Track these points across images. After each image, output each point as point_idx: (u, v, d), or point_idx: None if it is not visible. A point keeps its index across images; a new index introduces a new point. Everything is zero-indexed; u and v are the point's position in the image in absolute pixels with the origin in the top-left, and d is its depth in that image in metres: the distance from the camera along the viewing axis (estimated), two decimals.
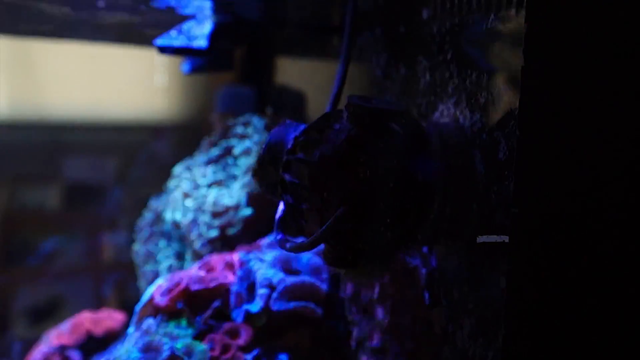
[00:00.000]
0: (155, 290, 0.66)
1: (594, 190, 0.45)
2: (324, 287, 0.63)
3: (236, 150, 0.84)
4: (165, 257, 0.87)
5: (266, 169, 0.52)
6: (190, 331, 0.62)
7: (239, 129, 0.86)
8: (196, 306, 0.63)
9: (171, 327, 0.62)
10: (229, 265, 0.66)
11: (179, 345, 0.59)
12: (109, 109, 1.82)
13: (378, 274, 0.56)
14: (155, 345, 0.59)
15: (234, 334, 0.61)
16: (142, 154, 1.76)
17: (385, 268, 0.55)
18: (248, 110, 0.96)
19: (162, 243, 0.89)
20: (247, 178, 0.81)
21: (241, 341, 0.60)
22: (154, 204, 0.93)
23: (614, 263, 0.45)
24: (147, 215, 0.92)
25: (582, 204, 0.45)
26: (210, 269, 0.66)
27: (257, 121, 0.84)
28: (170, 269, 0.85)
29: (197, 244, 0.79)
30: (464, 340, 0.52)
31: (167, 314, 0.63)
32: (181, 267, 0.85)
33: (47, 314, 1.59)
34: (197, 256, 0.80)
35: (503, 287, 0.47)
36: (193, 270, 0.67)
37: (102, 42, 1.21)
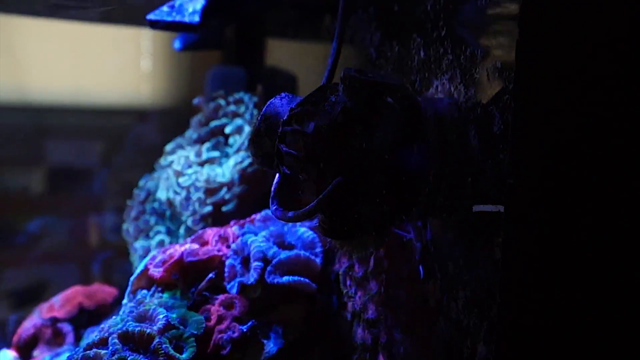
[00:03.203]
0: (149, 261, 0.66)
1: (589, 160, 0.46)
2: (317, 261, 0.64)
3: (228, 129, 0.84)
4: (156, 233, 0.87)
5: (262, 140, 0.53)
6: (184, 302, 0.62)
7: (231, 107, 0.86)
8: (191, 278, 0.64)
9: (166, 298, 0.62)
10: (223, 239, 0.66)
11: (174, 314, 0.59)
12: (94, 92, 1.81)
13: (373, 246, 0.57)
14: (150, 314, 0.60)
15: (228, 305, 0.61)
16: (128, 137, 1.75)
17: (380, 241, 0.57)
18: (238, 91, 0.96)
19: (153, 220, 0.89)
20: (239, 156, 0.81)
21: (236, 312, 0.61)
22: (145, 182, 0.93)
23: (608, 233, 0.47)
24: (138, 193, 0.92)
25: (577, 175, 0.47)
26: (204, 243, 0.67)
27: (248, 99, 0.85)
28: (162, 244, 0.85)
29: (190, 221, 0.80)
30: (458, 312, 0.53)
31: (161, 285, 0.64)
32: (173, 243, 0.85)
33: (31, 296, 1.59)
34: (191, 232, 0.80)
35: (498, 258, 0.49)
36: (187, 243, 0.68)
37: (88, 22, 1.20)
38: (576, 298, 0.47)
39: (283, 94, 0.53)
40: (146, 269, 0.65)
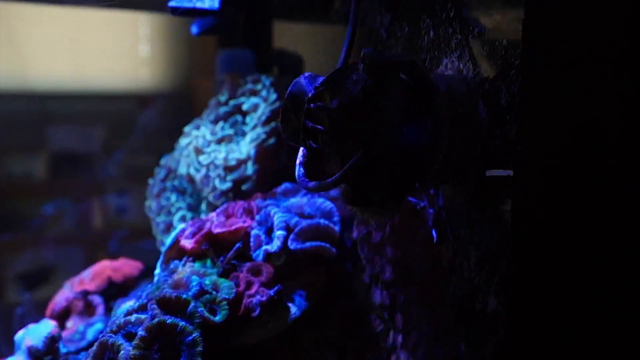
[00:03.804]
0: (179, 234, 0.71)
1: (591, 128, 0.50)
2: (336, 228, 0.68)
3: (244, 106, 0.88)
4: (177, 209, 0.92)
5: (289, 117, 0.57)
6: (215, 270, 0.67)
7: (248, 86, 0.90)
8: (219, 248, 0.68)
9: (197, 267, 0.67)
10: (248, 211, 0.71)
11: (206, 281, 0.64)
12: (95, 78, 1.83)
13: (390, 213, 0.61)
14: (184, 282, 0.64)
15: (256, 271, 0.66)
16: (130, 123, 1.77)
17: (396, 208, 0.61)
18: (248, 73, 1.00)
19: (174, 197, 0.94)
20: (256, 132, 0.85)
21: (263, 278, 0.66)
22: (165, 161, 0.97)
23: (610, 194, 0.51)
24: (159, 172, 0.96)
25: (580, 142, 0.51)
26: (229, 215, 0.72)
27: (265, 79, 0.89)
28: (183, 219, 0.90)
29: (211, 196, 0.84)
30: (470, 270, 0.58)
31: (192, 255, 0.69)
32: (194, 218, 0.90)
33: (39, 281, 1.63)
34: (212, 207, 0.85)
35: (507, 219, 0.53)
36: (213, 216, 0.72)
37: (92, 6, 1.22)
38: (580, 253, 0.52)
39: (307, 74, 0.57)
40: (177, 240, 0.70)
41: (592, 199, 0.51)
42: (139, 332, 0.60)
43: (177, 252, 0.70)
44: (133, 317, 0.62)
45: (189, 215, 0.91)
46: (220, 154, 0.84)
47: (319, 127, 0.54)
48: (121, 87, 1.92)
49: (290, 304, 0.66)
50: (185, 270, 0.66)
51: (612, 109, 0.51)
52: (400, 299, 0.64)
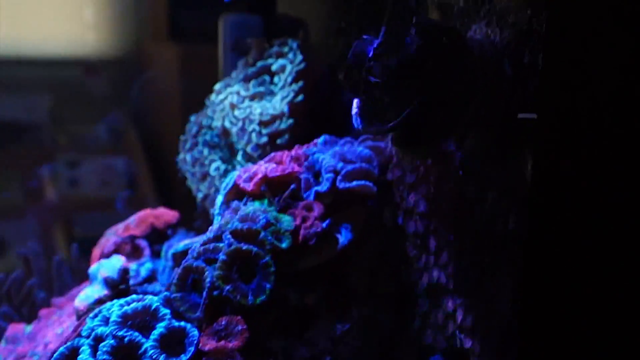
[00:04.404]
0: (236, 178, 0.81)
1: (604, 85, 0.63)
2: (375, 171, 0.80)
3: (273, 67, 0.98)
4: (211, 161, 1.01)
5: (352, 73, 0.68)
6: (273, 208, 0.78)
7: (275, 49, 0.99)
8: (274, 190, 0.79)
9: (258, 205, 0.78)
10: (295, 159, 0.81)
11: (270, 216, 0.75)
12: (36, 42, 1.74)
13: (429, 155, 0.73)
14: (251, 216, 0.75)
15: (309, 208, 0.77)
16: (78, 90, 1.72)
17: (433, 152, 0.73)
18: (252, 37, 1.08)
19: (206, 151, 1.03)
20: (285, 91, 0.95)
21: (315, 214, 0.77)
22: (196, 118, 1.05)
23: (627, 145, 0.65)
24: (190, 128, 1.05)
25: (594, 96, 0.64)
26: (279, 162, 0.82)
27: (291, 42, 0.98)
28: (218, 170, 1.00)
29: (249, 148, 0.94)
30: (493, 201, 0.71)
31: (252, 196, 0.79)
32: (228, 169, 0.99)
33: None
34: (249, 157, 0.95)
35: (528, 160, 0.66)
36: (262, 164, 0.83)
37: None
38: (598, 194, 0.65)
39: (366, 36, 0.67)
40: (235, 184, 0.80)
41: (608, 143, 0.65)
42: (221, 257, 0.70)
43: (236, 194, 0.80)
44: (211, 246, 0.72)
45: (222, 166, 1.00)
46: (255, 110, 0.94)
47: (378, 80, 0.65)
48: (66, 52, 1.84)
49: (337, 235, 0.78)
50: (248, 208, 0.76)
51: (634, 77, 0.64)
52: (432, 227, 0.77)
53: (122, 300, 0.71)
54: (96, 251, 0.99)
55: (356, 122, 0.69)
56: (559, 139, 0.65)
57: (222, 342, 0.68)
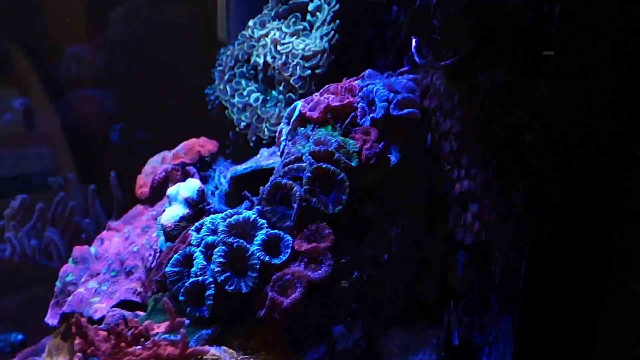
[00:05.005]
0: (301, 108, 0.93)
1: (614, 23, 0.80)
2: (417, 100, 0.94)
3: (310, 7, 1.07)
4: (250, 92, 1.11)
5: (418, 17, 0.80)
6: (337, 133, 0.91)
7: None
8: (336, 117, 0.92)
9: (324, 131, 0.90)
10: (349, 90, 0.94)
11: (339, 139, 0.88)
12: None
13: (468, 86, 0.89)
14: (323, 140, 0.87)
15: (367, 133, 0.91)
16: None
17: (471, 83, 0.89)
18: None
19: (244, 82, 1.12)
20: (324, 29, 1.06)
21: (372, 137, 0.91)
22: (230, 51, 1.13)
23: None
24: (228, 61, 1.13)
25: (606, 36, 0.80)
26: (334, 93, 0.94)
27: None
28: (257, 100, 1.10)
29: (292, 80, 1.05)
30: (513, 116, 0.87)
31: (317, 123, 0.91)
32: (267, 99, 1.10)
33: None
34: (291, 89, 1.06)
35: (545, 89, 0.82)
36: (320, 95, 0.94)
37: None
38: (594, 115, 0.83)
39: None
40: (302, 113, 0.92)
41: (608, 72, 0.82)
42: (306, 174, 0.84)
43: (301, 122, 0.92)
44: (295, 166, 0.85)
45: (261, 97, 1.10)
46: (298, 46, 1.04)
47: (440, 24, 0.79)
48: None
49: (390, 155, 0.92)
50: (318, 133, 0.89)
51: None
52: (464, 145, 0.93)
53: (221, 214, 0.83)
54: (144, 179, 1.08)
55: (416, 57, 0.83)
56: (572, 72, 0.82)
57: (314, 244, 0.82)
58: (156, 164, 1.11)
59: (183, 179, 1.10)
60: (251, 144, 1.11)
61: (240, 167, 1.00)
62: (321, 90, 0.97)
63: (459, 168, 0.96)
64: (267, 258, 0.81)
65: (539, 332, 0.90)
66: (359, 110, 0.93)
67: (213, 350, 0.74)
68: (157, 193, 1.09)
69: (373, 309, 0.94)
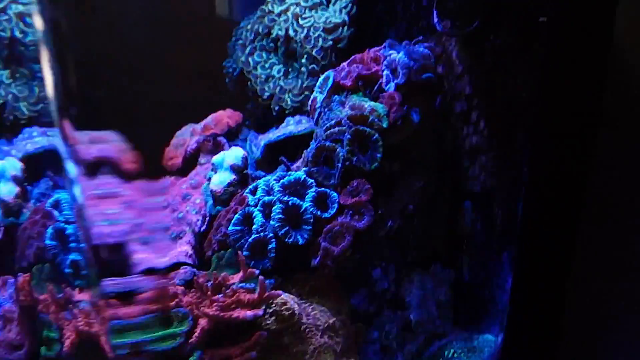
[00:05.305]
0: (334, 77, 1.02)
1: None
2: (433, 65, 1.05)
3: None
4: (272, 64, 1.18)
5: None
6: (367, 99, 1.00)
7: None
8: (366, 84, 1.01)
9: (356, 97, 1.00)
10: (374, 59, 1.03)
11: (372, 104, 0.98)
12: None
13: (477, 51, 1.00)
14: (357, 105, 0.97)
15: (392, 97, 1.01)
16: None
17: (479, 48, 1.00)
18: None
19: (264, 55, 1.19)
20: (343, 2, 1.14)
21: (397, 101, 1.01)
22: (250, 25, 1.20)
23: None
24: (248, 34, 1.20)
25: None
26: (361, 62, 1.03)
27: None
28: (279, 72, 1.18)
29: (314, 51, 1.13)
30: (515, 84, 0.99)
31: (350, 90, 1.01)
32: (288, 71, 1.18)
33: None
34: (314, 60, 1.14)
35: (541, 57, 0.94)
36: (348, 66, 1.03)
37: None
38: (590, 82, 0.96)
39: None
40: (335, 82, 1.01)
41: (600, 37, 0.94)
42: (346, 137, 0.94)
43: (334, 90, 1.01)
44: (336, 129, 0.94)
45: (283, 68, 1.18)
46: (319, 19, 1.12)
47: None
48: None
49: (412, 116, 1.03)
50: (352, 99, 0.99)
51: None
52: (474, 104, 1.05)
53: (274, 177, 0.93)
54: (173, 151, 1.15)
55: (438, 26, 0.94)
56: (566, 37, 0.94)
57: (357, 198, 0.93)
58: (184, 137, 1.18)
59: (214, 149, 1.17)
60: (274, 114, 1.19)
61: (274, 135, 1.09)
62: (349, 61, 1.06)
63: (468, 125, 1.08)
64: (318, 212, 0.91)
65: (534, 264, 1.04)
66: (384, 77, 1.03)
67: (283, 295, 0.84)
68: (189, 164, 1.17)
69: (401, 254, 1.06)
